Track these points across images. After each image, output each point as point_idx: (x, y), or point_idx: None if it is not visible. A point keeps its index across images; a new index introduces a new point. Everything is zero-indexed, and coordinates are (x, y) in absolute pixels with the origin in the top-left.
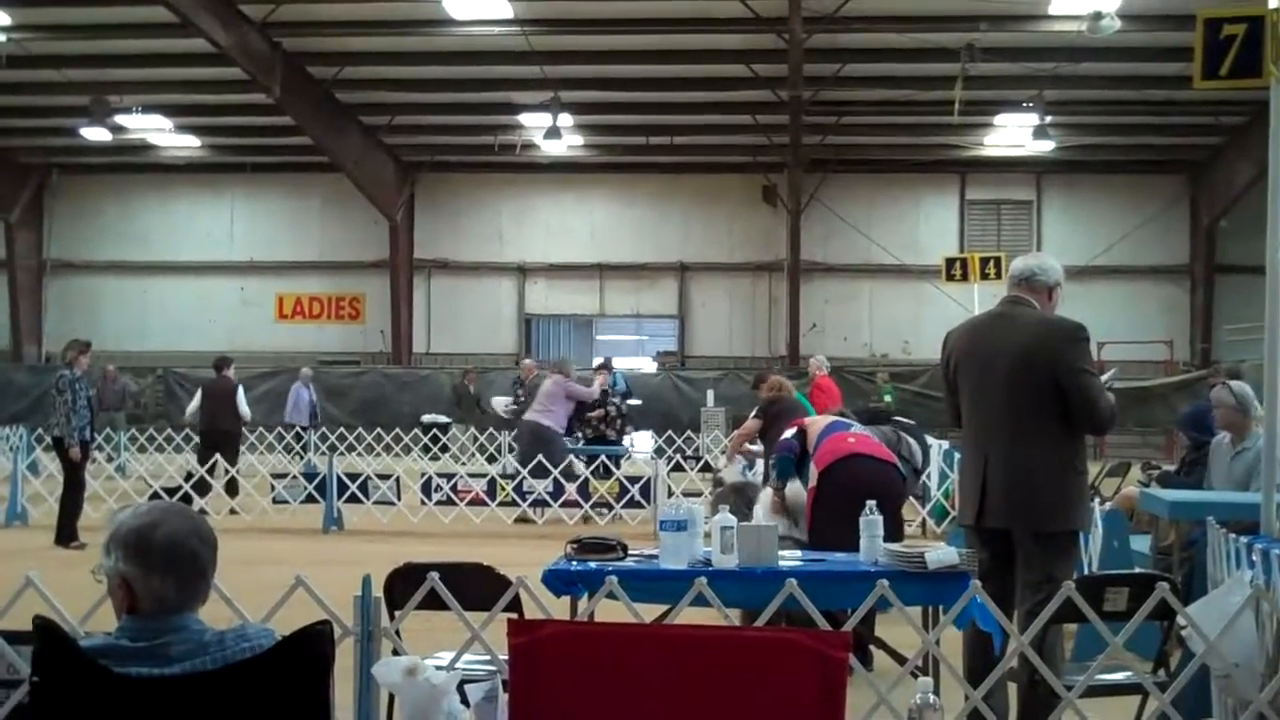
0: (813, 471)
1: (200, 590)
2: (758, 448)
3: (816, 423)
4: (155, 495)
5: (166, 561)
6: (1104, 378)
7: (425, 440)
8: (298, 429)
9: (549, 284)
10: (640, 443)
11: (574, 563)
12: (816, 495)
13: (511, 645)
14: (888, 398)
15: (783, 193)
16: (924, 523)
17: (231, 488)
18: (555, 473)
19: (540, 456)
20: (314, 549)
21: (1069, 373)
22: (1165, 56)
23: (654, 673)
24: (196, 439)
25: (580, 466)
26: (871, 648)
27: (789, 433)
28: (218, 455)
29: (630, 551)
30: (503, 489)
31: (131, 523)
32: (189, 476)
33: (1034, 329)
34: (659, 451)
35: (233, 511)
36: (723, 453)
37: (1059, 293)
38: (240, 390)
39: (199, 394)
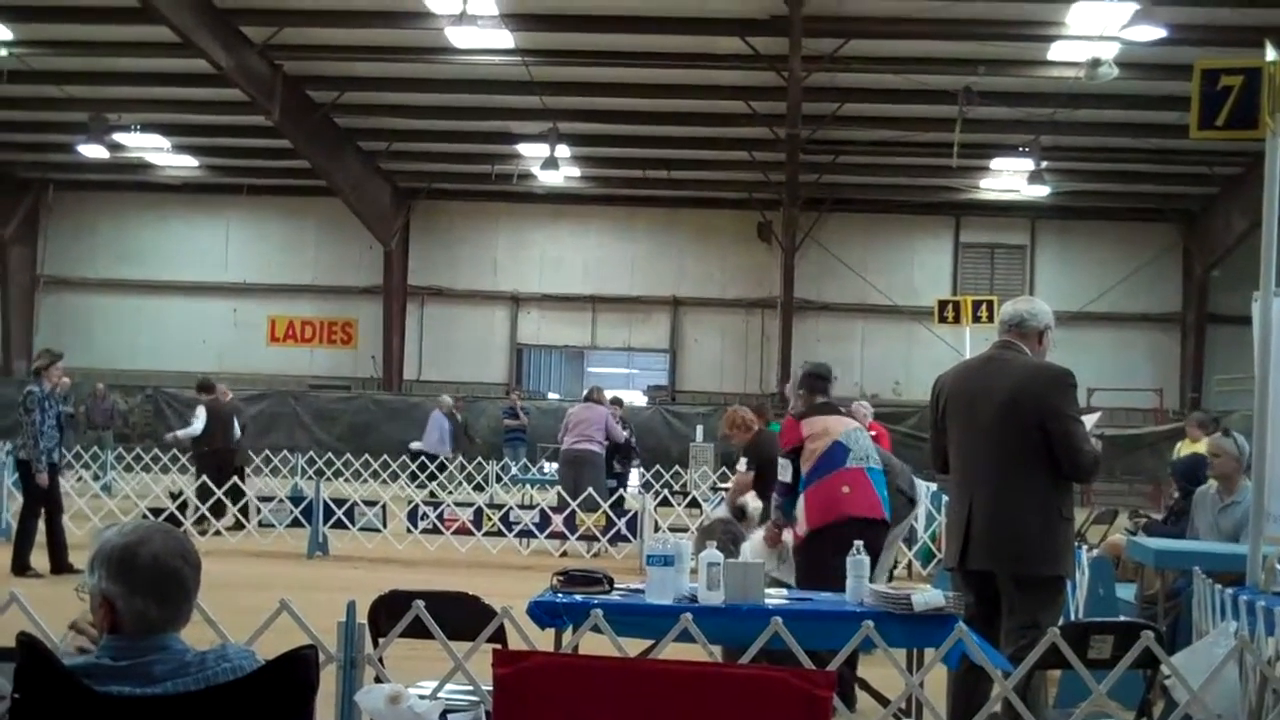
0: (801, 516)
1: (183, 610)
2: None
3: (816, 442)
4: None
5: (150, 581)
6: (1089, 420)
7: (413, 468)
8: (441, 458)
9: (542, 314)
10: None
11: (560, 595)
12: (803, 551)
13: (496, 675)
14: None
15: (778, 230)
16: (910, 565)
17: (220, 509)
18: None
19: (589, 486)
20: (298, 574)
21: (1055, 418)
22: (1162, 105)
23: (638, 707)
24: (191, 459)
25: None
26: (856, 688)
27: (784, 466)
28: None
29: (616, 585)
30: (489, 519)
31: (117, 541)
32: (177, 497)
33: (1021, 374)
34: (646, 486)
35: (218, 533)
36: (713, 489)
37: (1049, 336)
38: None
39: (204, 415)
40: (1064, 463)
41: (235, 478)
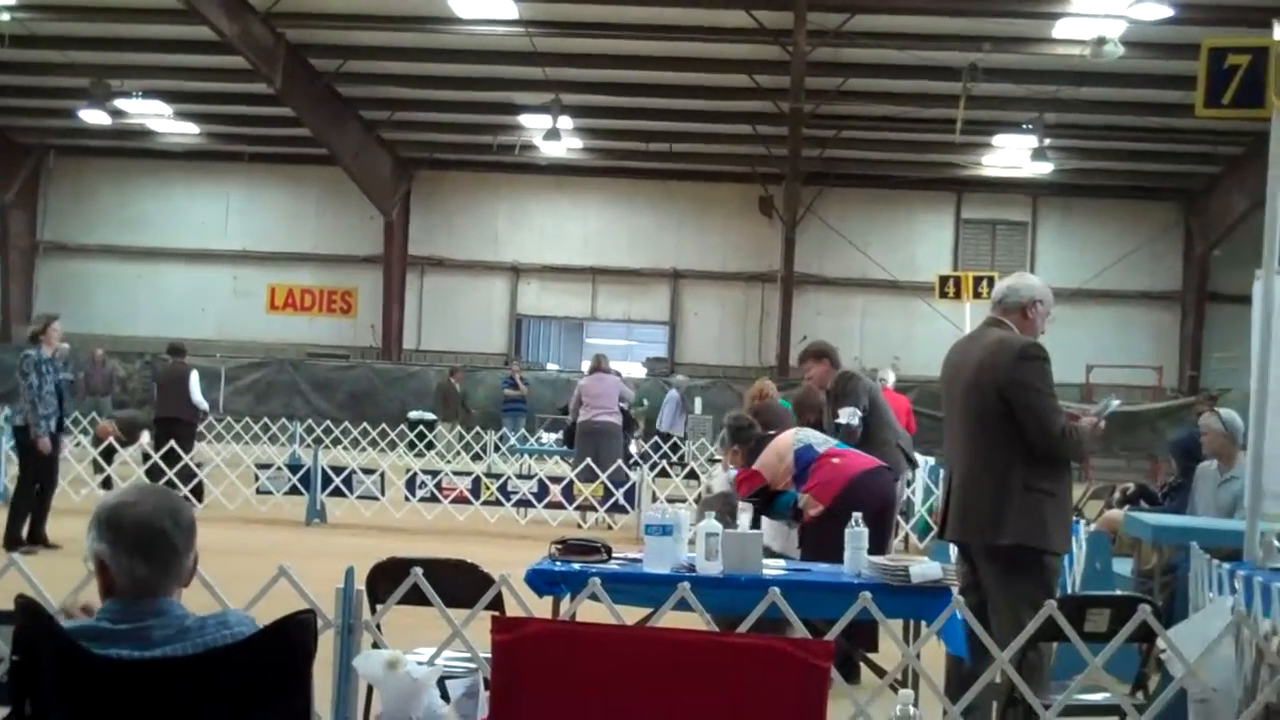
0: (811, 500)
1: (173, 569)
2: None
3: (779, 464)
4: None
5: (136, 539)
6: (1109, 405)
7: (411, 436)
8: (675, 439)
9: (542, 285)
10: None
11: (558, 563)
12: (818, 530)
13: (495, 642)
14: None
15: (779, 204)
16: (906, 538)
17: (185, 477)
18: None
19: (612, 458)
20: (296, 541)
21: (1013, 389)
22: (1166, 84)
23: (636, 675)
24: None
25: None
26: (858, 662)
27: (743, 509)
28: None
29: (614, 555)
30: (487, 488)
31: (109, 500)
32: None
33: (987, 348)
34: (644, 457)
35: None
36: (710, 462)
37: (1037, 310)
38: (194, 377)
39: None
40: (1030, 434)
41: (175, 443)
